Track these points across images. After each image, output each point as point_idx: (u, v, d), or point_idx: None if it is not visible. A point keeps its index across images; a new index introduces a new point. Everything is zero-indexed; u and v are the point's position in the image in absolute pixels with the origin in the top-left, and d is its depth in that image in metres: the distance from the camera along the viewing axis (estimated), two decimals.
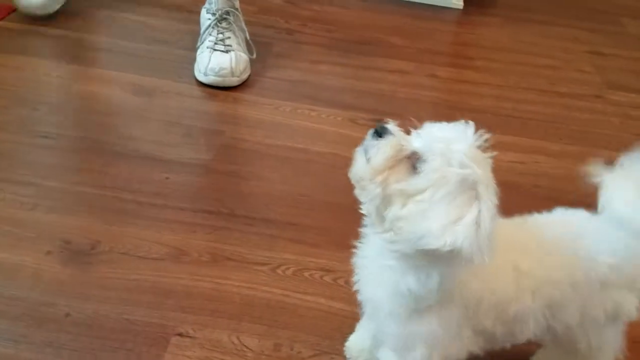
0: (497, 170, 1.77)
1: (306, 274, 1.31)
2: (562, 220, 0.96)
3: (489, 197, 0.75)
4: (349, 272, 1.31)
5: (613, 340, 1.00)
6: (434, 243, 0.73)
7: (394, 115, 1.86)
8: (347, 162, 1.70)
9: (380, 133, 0.82)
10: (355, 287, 0.99)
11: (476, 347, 0.91)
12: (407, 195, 0.76)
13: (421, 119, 1.91)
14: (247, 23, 2.02)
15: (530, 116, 1.97)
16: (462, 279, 0.84)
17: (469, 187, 0.75)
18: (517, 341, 0.95)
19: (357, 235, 1.45)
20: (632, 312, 0.94)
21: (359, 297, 1.03)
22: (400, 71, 2.13)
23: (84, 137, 1.66)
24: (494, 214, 0.76)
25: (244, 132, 1.76)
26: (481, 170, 0.76)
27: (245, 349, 1.13)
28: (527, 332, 0.91)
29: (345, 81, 2.05)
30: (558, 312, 0.89)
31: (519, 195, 1.56)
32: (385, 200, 0.78)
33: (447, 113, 1.93)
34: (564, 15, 2.62)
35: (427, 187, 0.75)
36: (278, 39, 2.23)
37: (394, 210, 0.77)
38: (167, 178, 1.54)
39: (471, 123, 0.81)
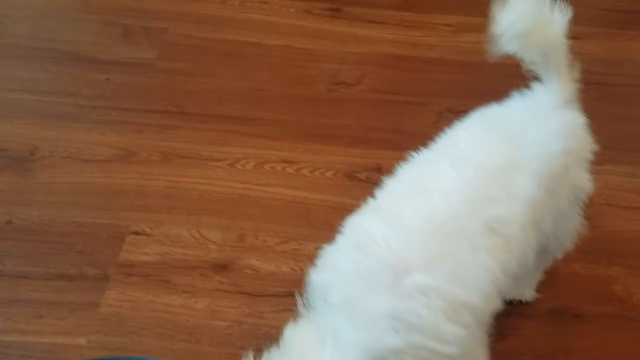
0: (462, 52, 1.70)
1: (267, 166, 1.24)
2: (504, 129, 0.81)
3: None
4: (311, 162, 1.26)
5: (574, 225, 0.93)
6: None
7: (355, 4, 1.79)
8: (303, 53, 1.64)
9: None
10: None
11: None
12: None
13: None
14: None
15: None
16: None
17: None
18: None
19: (316, 127, 1.39)
20: (589, 186, 0.88)
21: None
22: None
23: (15, 45, 1.50)
24: None
25: (189, 28, 1.62)
26: None
27: (207, 242, 1.06)
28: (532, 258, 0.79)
29: None
30: (540, 223, 0.78)
31: (487, 74, 1.49)
32: None
33: None
34: None
35: None
36: None
37: None
38: (107, 79, 1.42)
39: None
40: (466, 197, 0.70)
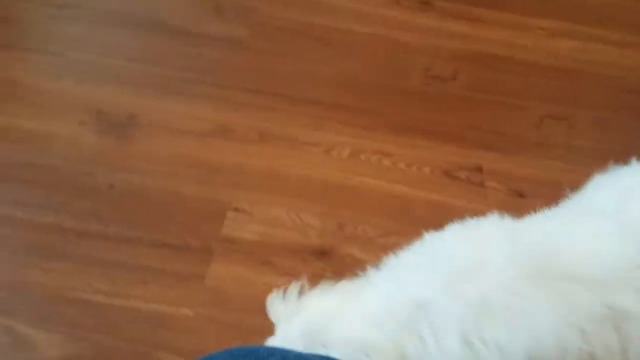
0: (559, 58, 1.64)
1: (362, 156, 1.22)
2: None
3: None
4: (406, 156, 1.23)
5: None
6: None
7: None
8: (393, 44, 1.61)
9: None
10: None
11: None
12: None
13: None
14: None
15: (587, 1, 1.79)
16: None
17: None
18: None
19: (411, 121, 1.37)
20: None
21: None
22: None
23: (106, 10, 1.50)
24: None
25: (278, 9, 1.61)
26: None
27: (307, 227, 1.05)
28: None
29: None
30: None
31: (586, 84, 1.46)
32: None
33: None
34: None
35: None
36: None
37: None
38: (199, 53, 1.41)
39: None
40: (606, 269, 0.59)
